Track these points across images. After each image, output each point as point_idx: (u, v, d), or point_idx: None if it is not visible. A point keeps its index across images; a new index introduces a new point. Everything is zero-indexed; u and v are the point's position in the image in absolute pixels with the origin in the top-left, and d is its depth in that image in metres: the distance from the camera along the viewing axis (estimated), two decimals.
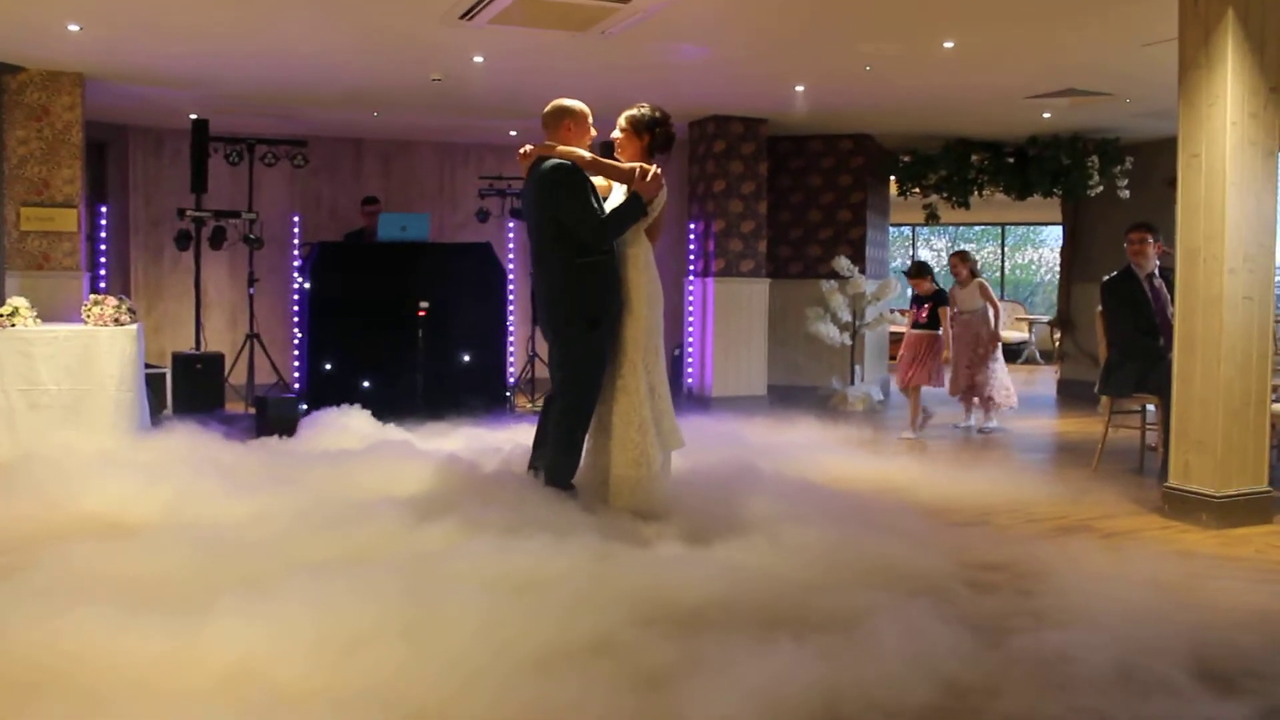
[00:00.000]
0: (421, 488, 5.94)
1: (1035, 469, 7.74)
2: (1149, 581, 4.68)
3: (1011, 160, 11.60)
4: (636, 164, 5.72)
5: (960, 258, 9.72)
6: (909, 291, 9.81)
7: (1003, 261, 20.54)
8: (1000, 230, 20.23)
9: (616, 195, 5.79)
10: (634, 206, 5.64)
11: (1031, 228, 20.76)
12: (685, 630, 3.89)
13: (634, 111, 5.80)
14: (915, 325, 9.19)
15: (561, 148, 5.66)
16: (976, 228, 21.11)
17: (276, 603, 3.77)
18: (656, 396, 5.71)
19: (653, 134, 5.79)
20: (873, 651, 3.65)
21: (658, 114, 5.81)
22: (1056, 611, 4.23)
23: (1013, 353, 17.11)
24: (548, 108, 5.77)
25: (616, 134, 5.84)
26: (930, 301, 9.11)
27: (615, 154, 5.90)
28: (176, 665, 3.38)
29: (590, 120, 5.80)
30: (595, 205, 5.61)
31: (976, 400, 9.46)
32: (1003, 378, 9.40)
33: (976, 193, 11.96)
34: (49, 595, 3.91)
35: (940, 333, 9.05)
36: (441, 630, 3.68)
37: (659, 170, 5.75)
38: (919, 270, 9.28)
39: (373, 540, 4.89)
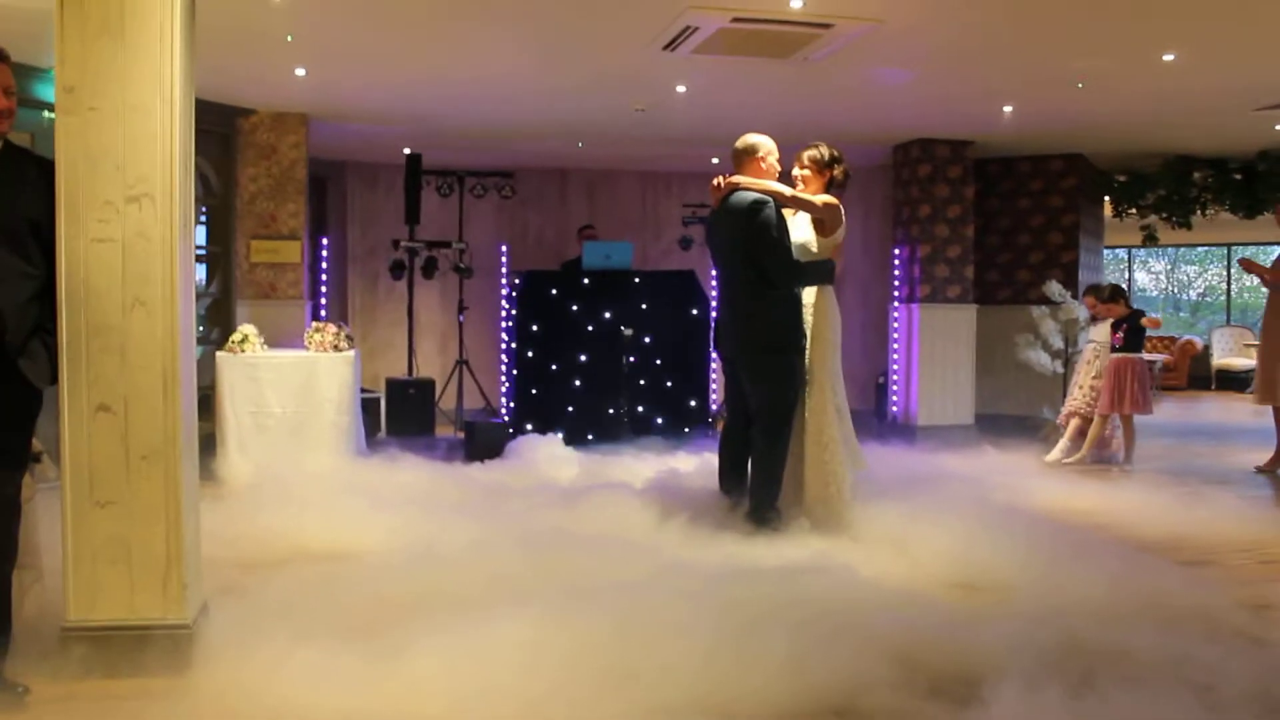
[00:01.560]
0: (638, 522, 5.84)
1: (1263, 505, 7.26)
2: None
3: (1238, 177, 11.00)
4: (827, 197, 5.93)
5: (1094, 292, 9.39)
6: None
7: (1229, 285, 19.45)
8: (1226, 251, 19.18)
9: (800, 223, 5.99)
10: (826, 270, 5.87)
11: (1262, 247, 19.60)
12: (957, 685, 3.58)
13: (814, 151, 6.06)
14: (1113, 349, 8.82)
15: (756, 181, 5.83)
16: (1200, 249, 20.07)
17: (489, 641, 3.71)
18: (843, 417, 5.87)
19: (833, 170, 6.02)
20: (1207, 703, 3.39)
21: (836, 152, 6.06)
22: None
23: (1241, 382, 16.16)
24: (738, 144, 5.99)
25: (799, 172, 6.05)
26: (1125, 323, 8.73)
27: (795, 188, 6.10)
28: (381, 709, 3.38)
29: (776, 155, 5.99)
30: (787, 244, 5.80)
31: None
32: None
33: (1199, 212, 11.40)
34: (268, 622, 3.97)
35: (1139, 356, 8.65)
36: (661, 676, 3.50)
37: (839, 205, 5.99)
38: (1114, 294, 8.96)
39: (593, 574, 4.74)
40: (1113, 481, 8.01)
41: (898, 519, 5.69)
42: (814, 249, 5.92)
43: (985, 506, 6.30)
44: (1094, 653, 3.90)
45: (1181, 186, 11.16)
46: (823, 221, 5.90)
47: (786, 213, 5.93)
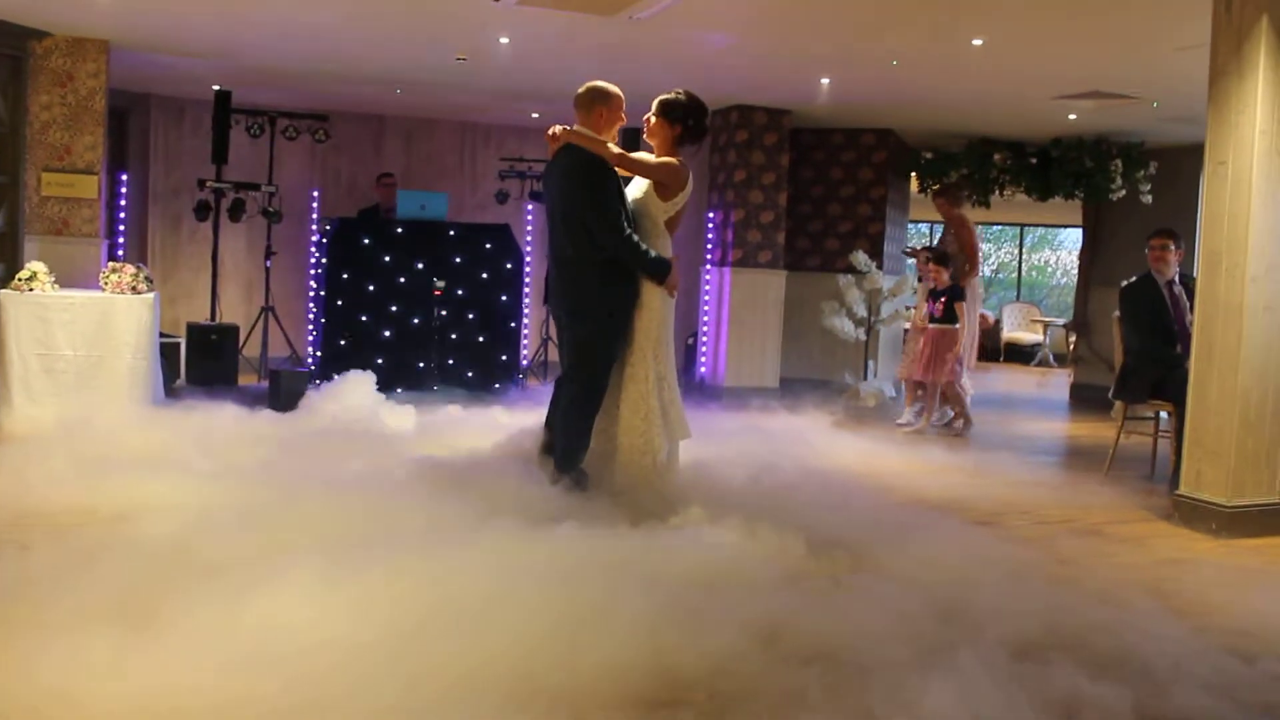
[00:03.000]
0: (468, 481, 5.41)
1: (1046, 471, 7.70)
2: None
3: (1034, 161, 11.55)
4: (665, 159, 5.67)
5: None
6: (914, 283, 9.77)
7: (1020, 262, 20.47)
8: (1019, 231, 20.15)
9: (637, 185, 5.77)
10: (658, 267, 5.59)
11: (1050, 229, 20.67)
12: (828, 657, 3.48)
13: (669, 97, 5.70)
14: (932, 319, 9.12)
15: (591, 136, 5.56)
16: (995, 227, 21.01)
17: (288, 611, 3.45)
18: (665, 386, 5.70)
19: (684, 125, 5.70)
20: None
21: (693, 104, 5.70)
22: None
23: (1026, 355, 17.05)
24: (582, 89, 5.66)
25: (650, 116, 5.75)
26: (945, 295, 9.06)
27: (644, 137, 5.85)
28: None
29: (623, 106, 5.71)
30: (620, 210, 5.51)
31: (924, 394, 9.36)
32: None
33: (997, 192, 11.91)
34: (38, 590, 3.62)
35: (956, 327, 8.99)
36: (486, 654, 3.25)
37: (682, 210, 5.79)
38: (939, 259, 9.22)
39: (415, 536, 4.39)
40: (905, 444, 8.35)
41: (725, 488, 5.63)
42: (651, 210, 5.66)
43: (805, 471, 6.52)
44: (964, 617, 3.94)
45: (982, 167, 11.63)
46: (664, 185, 5.63)
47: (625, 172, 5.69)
